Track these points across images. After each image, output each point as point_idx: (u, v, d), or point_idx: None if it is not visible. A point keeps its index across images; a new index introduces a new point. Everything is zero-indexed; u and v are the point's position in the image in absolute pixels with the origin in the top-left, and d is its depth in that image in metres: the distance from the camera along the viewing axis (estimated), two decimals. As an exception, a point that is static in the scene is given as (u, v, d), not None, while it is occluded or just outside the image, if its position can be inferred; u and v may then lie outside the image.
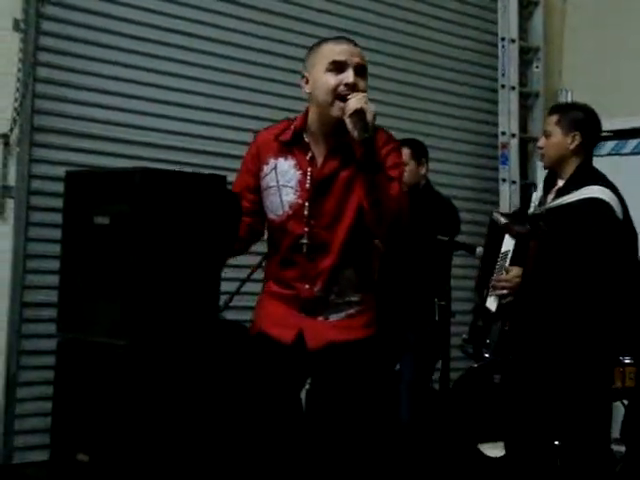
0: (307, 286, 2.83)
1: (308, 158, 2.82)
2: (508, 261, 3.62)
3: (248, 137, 5.30)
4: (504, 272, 3.63)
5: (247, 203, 2.95)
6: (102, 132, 4.87)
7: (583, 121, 3.83)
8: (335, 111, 2.70)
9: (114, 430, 3.94)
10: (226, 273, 4.29)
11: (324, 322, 2.83)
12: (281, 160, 2.85)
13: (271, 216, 2.89)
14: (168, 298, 4.00)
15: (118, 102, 4.95)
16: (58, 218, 4.38)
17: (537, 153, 4.02)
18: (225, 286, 4.30)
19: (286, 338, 2.84)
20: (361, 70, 2.73)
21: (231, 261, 4.52)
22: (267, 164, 2.87)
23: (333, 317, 2.84)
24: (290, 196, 2.82)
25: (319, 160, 2.81)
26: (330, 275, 2.80)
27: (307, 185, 2.80)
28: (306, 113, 2.85)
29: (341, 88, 2.70)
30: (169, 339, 4.00)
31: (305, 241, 2.81)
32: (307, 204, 2.80)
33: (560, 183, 3.81)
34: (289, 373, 2.87)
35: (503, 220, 3.72)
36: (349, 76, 2.69)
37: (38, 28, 4.64)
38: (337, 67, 2.71)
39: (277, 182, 2.84)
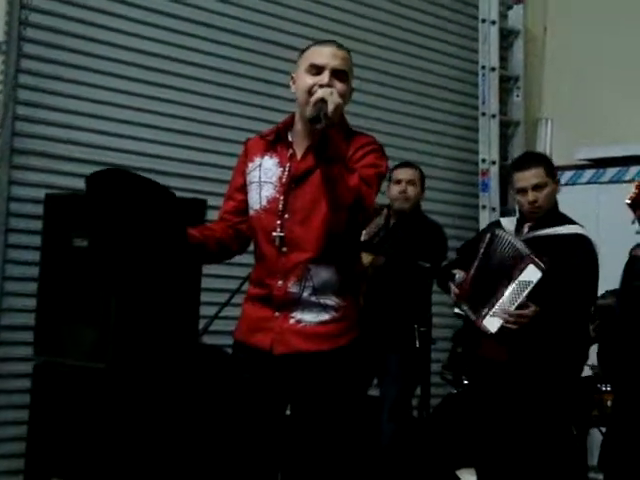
0: (280, 282, 2.79)
1: (289, 155, 2.86)
2: (526, 294, 3.60)
3: (233, 162, 5.33)
4: (515, 305, 3.61)
5: (234, 203, 2.98)
6: (82, 155, 4.85)
7: (554, 167, 3.95)
8: (309, 110, 2.72)
9: (89, 455, 3.90)
10: (205, 297, 4.32)
11: (295, 326, 2.78)
12: (266, 158, 2.89)
13: (250, 212, 2.90)
14: (147, 322, 3.99)
15: (99, 125, 4.94)
16: (37, 240, 4.39)
17: (527, 209, 3.93)
18: (204, 310, 4.30)
19: (263, 344, 2.82)
20: (340, 74, 2.78)
21: (210, 285, 4.53)
22: (252, 162, 2.92)
23: (306, 318, 2.78)
24: (269, 191, 2.85)
25: (299, 156, 2.85)
26: (303, 270, 2.77)
27: (284, 180, 2.83)
28: (294, 114, 2.91)
29: (315, 88, 2.73)
30: (148, 363, 3.98)
31: (277, 234, 2.80)
32: (282, 198, 2.81)
33: (530, 222, 3.91)
34: (271, 382, 2.83)
35: (527, 249, 3.69)
36: (324, 78, 2.75)
37: (20, 51, 4.63)
38: (316, 69, 2.77)
39: (259, 178, 2.88)
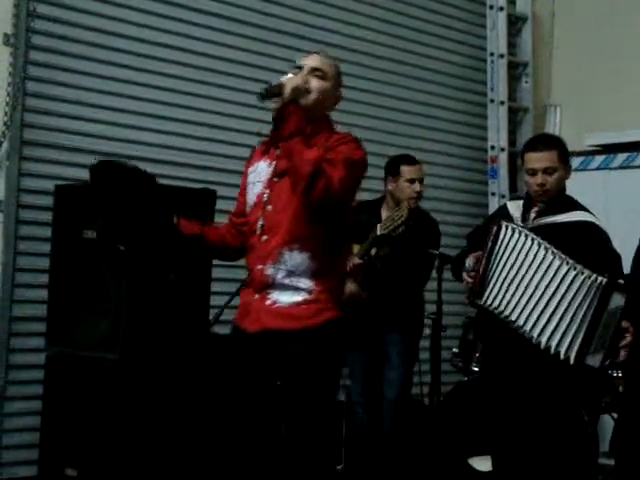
0: (260, 266, 3.02)
1: (276, 154, 3.09)
2: (617, 318, 3.56)
3: (241, 151, 5.33)
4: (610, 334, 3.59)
5: (237, 204, 3.28)
6: (92, 146, 4.86)
7: (569, 153, 3.92)
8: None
9: (103, 445, 3.92)
10: (216, 287, 4.33)
11: (271, 306, 2.99)
12: (261, 161, 3.15)
13: (247, 210, 3.17)
14: (158, 312, 4.00)
15: (108, 116, 4.95)
16: (47, 232, 4.40)
17: (535, 191, 3.89)
18: (215, 300, 4.32)
19: (245, 325, 3.06)
20: (315, 71, 3.07)
21: (221, 275, 4.54)
22: (253, 166, 3.19)
23: (281, 299, 2.98)
24: (259, 188, 3.10)
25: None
26: (278, 254, 2.98)
27: (269, 175, 3.08)
28: None
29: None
30: (159, 354, 3.99)
31: (260, 223, 3.05)
32: (267, 191, 3.07)
33: (537, 207, 3.86)
34: (250, 361, 3.05)
35: (603, 278, 3.57)
36: (302, 73, 3.05)
37: (28, 42, 4.64)
38: (297, 68, 3.09)
39: (253, 179, 3.15)
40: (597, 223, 3.81)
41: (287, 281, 2.98)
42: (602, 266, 3.64)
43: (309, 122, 2.97)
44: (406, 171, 4.70)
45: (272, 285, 2.99)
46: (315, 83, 3.04)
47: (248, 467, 3.02)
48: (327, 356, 2.99)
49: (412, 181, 4.68)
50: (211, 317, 4.30)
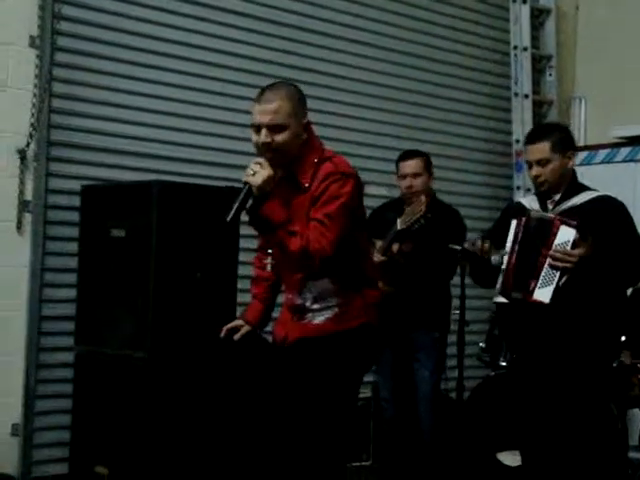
0: (290, 295, 3.23)
1: None
2: (570, 245, 3.60)
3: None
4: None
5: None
6: (117, 146, 4.90)
7: (572, 139, 3.89)
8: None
9: (133, 443, 3.96)
10: (242, 285, 4.35)
11: (307, 324, 3.17)
12: None
13: None
14: (186, 310, 4.03)
15: (133, 116, 4.97)
16: (75, 232, 4.44)
17: (534, 183, 3.91)
18: (241, 297, 4.33)
19: (278, 336, 3.26)
20: (273, 128, 3.01)
21: (247, 273, 4.56)
22: None
23: (316, 321, 3.16)
24: None
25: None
26: (301, 286, 3.16)
27: None
28: None
29: (259, 146, 3.05)
30: (187, 351, 4.02)
31: (270, 261, 3.32)
32: None
33: (556, 197, 3.84)
34: (283, 369, 3.23)
35: (551, 214, 3.73)
36: (261, 137, 3.02)
37: (53, 44, 4.67)
38: (255, 128, 3.05)
39: None
40: (612, 195, 3.81)
41: (316, 306, 3.15)
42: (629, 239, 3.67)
43: (290, 160, 3.05)
44: (399, 167, 4.73)
45: (304, 310, 3.17)
46: (278, 138, 3.01)
47: (267, 466, 3.22)
48: (353, 357, 3.13)
49: (403, 177, 4.68)
50: (238, 314, 4.31)
